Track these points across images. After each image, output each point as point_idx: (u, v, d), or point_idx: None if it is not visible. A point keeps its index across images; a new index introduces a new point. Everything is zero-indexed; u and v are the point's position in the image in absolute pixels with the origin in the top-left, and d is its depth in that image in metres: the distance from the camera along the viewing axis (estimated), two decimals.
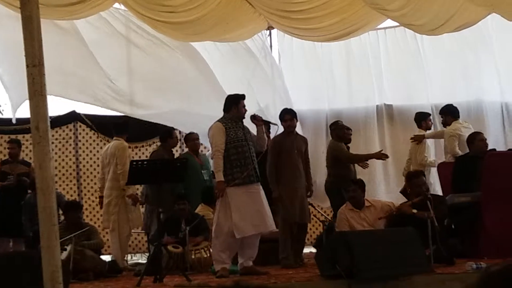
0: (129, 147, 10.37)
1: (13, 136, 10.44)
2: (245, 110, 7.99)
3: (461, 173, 8.95)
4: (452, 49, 11.42)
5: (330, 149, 9.66)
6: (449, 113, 10.10)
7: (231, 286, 1.54)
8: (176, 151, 10.96)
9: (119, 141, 9.46)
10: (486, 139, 9.32)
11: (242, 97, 8.03)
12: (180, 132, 11.04)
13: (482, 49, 11.43)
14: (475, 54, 11.52)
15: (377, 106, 11.67)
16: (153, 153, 9.95)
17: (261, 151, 8.37)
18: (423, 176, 8.77)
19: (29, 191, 9.52)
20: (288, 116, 8.84)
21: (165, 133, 9.92)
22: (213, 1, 8.89)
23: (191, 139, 10.14)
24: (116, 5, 9.33)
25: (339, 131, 9.71)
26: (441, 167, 9.89)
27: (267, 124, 8.63)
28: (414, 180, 8.58)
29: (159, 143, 10.12)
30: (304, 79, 11.84)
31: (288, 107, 9.56)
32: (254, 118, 8.12)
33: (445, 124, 10.17)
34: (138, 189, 9.96)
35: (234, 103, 7.94)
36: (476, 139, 9.21)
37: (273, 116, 10.88)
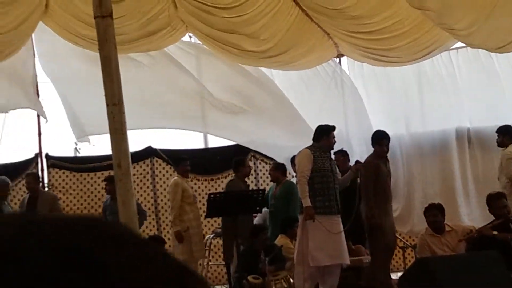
0: (205, 180, 10.49)
1: (92, 174, 10.73)
2: (335, 141, 8.16)
3: None
4: None
5: None
6: (508, 133, 9.74)
7: None
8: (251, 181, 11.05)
9: (174, 179, 9.70)
10: None
11: (333, 128, 8.18)
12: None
13: None
14: None
15: (456, 129, 11.45)
16: (229, 183, 10.03)
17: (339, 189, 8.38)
18: (504, 198, 8.55)
19: None
20: (386, 141, 8.76)
21: (237, 162, 9.97)
22: (284, 26, 8.94)
23: (272, 169, 10.22)
24: (187, 37, 9.54)
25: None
26: None
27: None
28: (494, 202, 8.39)
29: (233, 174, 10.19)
30: (378, 104, 11.77)
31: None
32: (355, 166, 8.31)
33: (501, 144, 9.77)
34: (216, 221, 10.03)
35: (325, 133, 8.09)
36: None
37: (345, 141, 10.90)
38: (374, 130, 11.02)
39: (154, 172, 11.41)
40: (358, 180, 8.65)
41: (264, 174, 11.71)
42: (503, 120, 11.23)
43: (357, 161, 8.50)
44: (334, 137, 8.11)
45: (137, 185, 11.14)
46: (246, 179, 10.17)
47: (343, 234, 7.83)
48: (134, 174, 10.91)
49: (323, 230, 7.66)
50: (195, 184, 11.32)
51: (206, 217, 9.08)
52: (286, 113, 10.97)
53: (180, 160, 9.83)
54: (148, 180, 11.25)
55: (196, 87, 10.42)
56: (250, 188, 10.44)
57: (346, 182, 8.23)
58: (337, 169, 8.36)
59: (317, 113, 10.97)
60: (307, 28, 9.29)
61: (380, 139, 8.67)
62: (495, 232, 7.89)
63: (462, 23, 8.55)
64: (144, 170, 11.37)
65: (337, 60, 11.56)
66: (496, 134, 9.86)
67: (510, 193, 9.19)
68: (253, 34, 8.81)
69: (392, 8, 8.68)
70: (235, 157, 10.13)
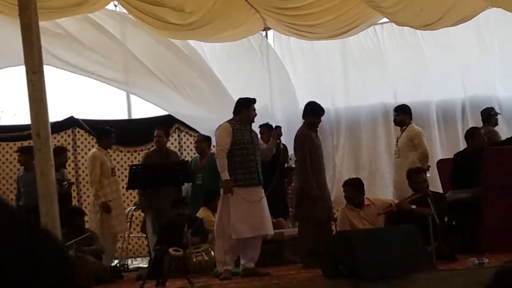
0: (129, 152, 10.40)
1: (11, 144, 10.49)
2: (255, 114, 8.11)
3: (461, 169, 8.95)
4: (452, 42, 11.40)
5: None
6: (408, 112, 9.84)
7: None
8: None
9: (92, 151, 9.57)
10: (484, 134, 9.31)
11: (253, 101, 8.12)
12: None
13: (480, 43, 11.45)
14: (473, 48, 11.55)
15: (381, 104, 11.63)
16: (145, 157, 9.96)
17: (264, 160, 8.35)
18: (424, 173, 8.75)
19: None
20: (321, 113, 8.80)
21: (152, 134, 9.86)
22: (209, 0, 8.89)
23: (197, 141, 10.16)
24: (112, 6, 9.37)
25: None
26: (440, 163, 9.88)
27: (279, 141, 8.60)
28: (414, 177, 8.57)
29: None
30: (305, 78, 11.84)
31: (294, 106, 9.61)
32: (276, 132, 8.22)
33: (401, 123, 9.84)
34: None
35: (245, 106, 8.06)
36: (475, 134, 9.21)
37: (270, 115, 10.96)
38: (300, 104, 11.19)
39: (75, 143, 11.22)
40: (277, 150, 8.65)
41: (188, 146, 11.65)
42: (427, 96, 11.51)
43: (277, 127, 8.47)
44: (254, 109, 8.06)
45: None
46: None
47: (265, 205, 7.85)
48: (55, 145, 10.77)
49: (245, 202, 7.69)
50: (118, 155, 11.18)
51: (127, 189, 9.00)
52: (211, 86, 10.94)
53: (106, 132, 9.69)
54: (69, 151, 11.03)
55: (120, 50, 10.27)
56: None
57: (272, 150, 8.23)
58: (260, 142, 8.34)
59: (242, 86, 10.99)
60: (234, 2, 9.23)
61: (316, 111, 8.71)
62: (413, 206, 8.06)
63: (389, 1, 8.63)
64: (66, 140, 11.15)
65: (264, 33, 11.56)
66: (395, 113, 9.96)
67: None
68: (178, 7, 8.70)
69: None
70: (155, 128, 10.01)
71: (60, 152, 9.78)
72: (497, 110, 10.72)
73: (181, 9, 8.72)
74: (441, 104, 11.69)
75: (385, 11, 9.00)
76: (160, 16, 8.88)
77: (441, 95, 11.70)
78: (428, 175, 9.54)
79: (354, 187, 8.71)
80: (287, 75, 11.52)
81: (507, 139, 9.45)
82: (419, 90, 11.70)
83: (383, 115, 11.57)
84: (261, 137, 9.11)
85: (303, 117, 8.73)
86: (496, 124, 10.02)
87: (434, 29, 9.90)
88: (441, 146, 11.48)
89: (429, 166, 9.69)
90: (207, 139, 10.05)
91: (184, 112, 11.09)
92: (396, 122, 9.94)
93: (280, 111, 11.45)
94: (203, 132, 10.64)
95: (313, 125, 8.72)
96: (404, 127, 9.74)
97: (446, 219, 8.57)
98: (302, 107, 11.10)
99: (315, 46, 11.48)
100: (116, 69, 10.36)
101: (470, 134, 9.29)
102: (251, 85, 11.14)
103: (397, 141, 9.84)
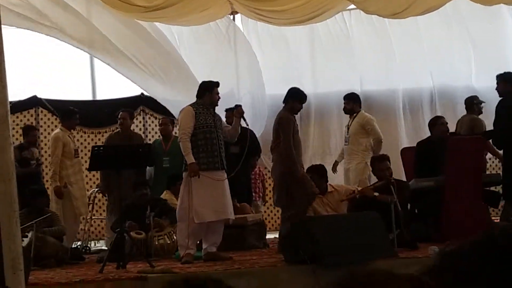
0: (92, 133, 10.28)
1: None
2: (218, 98, 8.09)
3: (424, 158, 9.00)
4: (419, 31, 11.43)
5: None
6: (357, 100, 9.90)
7: (181, 282, 1.51)
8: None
9: (55, 132, 9.49)
10: (447, 123, 9.36)
11: (216, 84, 8.11)
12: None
13: (448, 32, 11.51)
14: (440, 37, 11.60)
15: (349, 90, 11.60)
16: (108, 139, 9.88)
17: (230, 142, 8.42)
18: (387, 160, 8.78)
19: None
20: (304, 99, 8.79)
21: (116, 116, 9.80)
22: None
23: (163, 123, 10.07)
24: None
25: None
26: (404, 152, 9.93)
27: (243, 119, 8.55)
28: (377, 164, 8.61)
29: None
30: (272, 62, 11.78)
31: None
32: (237, 110, 8.15)
33: (351, 111, 9.88)
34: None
35: (208, 90, 8.03)
36: (437, 123, 9.27)
37: (236, 99, 10.92)
38: (267, 88, 11.18)
39: (38, 123, 11.04)
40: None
41: (153, 129, 11.56)
42: (393, 84, 11.54)
43: (236, 105, 8.41)
44: (217, 93, 8.05)
45: (20, 135, 10.78)
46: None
47: (227, 189, 7.85)
48: (17, 124, 10.64)
49: (207, 186, 7.68)
50: (81, 136, 11.04)
51: (88, 170, 8.91)
52: (177, 69, 10.85)
53: (69, 112, 9.56)
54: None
55: (86, 27, 10.11)
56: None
57: (237, 130, 8.17)
58: (225, 125, 8.29)
59: (209, 70, 10.93)
60: None
61: (299, 96, 8.67)
62: (376, 194, 8.09)
63: None
64: (28, 120, 10.98)
65: (231, 17, 11.48)
66: (344, 101, 9.98)
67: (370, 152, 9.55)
68: None
69: None
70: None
71: (29, 130, 9.79)
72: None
73: None
74: (407, 92, 11.74)
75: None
76: None
77: (408, 84, 11.74)
78: None
79: (317, 174, 8.71)
80: (254, 58, 11.46)
81: (485, 132, 9.47)
82: (386, 78, 11.75)
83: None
84: (227, 121, 9.07)
85: (285, 101, 8.65)
86: (480, 112, 10.04)
87: (402, 18, 9.92)
88: (407, 135, 11.54)
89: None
90: (172, 122, 9.99)
91: (152, 90, 10.98)
92: (346, 110, 10.00)
93: (247, 96, 11.40)
94: (169, 113, 10.59)
95: (295, 111, 8.71)
96: (355, 114, 9.81)
97: (408, 207, 8.62)
98: (268, 91, 11.24)
99: (282, 31, 11.45)
100: (80, 38, 10.12)
101: (433, 122, 9.34)
102: (218, 69, 11.09)
103: (347, 129, 9.87)
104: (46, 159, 10.76)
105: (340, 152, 10.24)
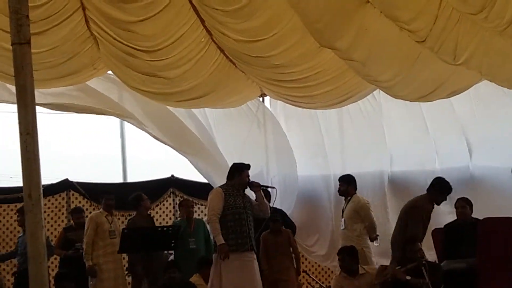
0: (123, 215, 10.36)
1: (4, 206, 10.51)
2: (249, 180, 8.20)
3: (452, 239, 8.96)
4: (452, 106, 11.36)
5: None
6: (352, 182, 9.86)
7: None
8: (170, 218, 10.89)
9: (95, 212, 9.63)
10: (465, 206, 9.18)
11: (247, 167, 8.24)
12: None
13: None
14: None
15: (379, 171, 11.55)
16: (129, 222, 9.93)
17: (265, 217, 8.51)
18: (419, 242, 8.70)
19: None
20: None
21: (135, 199, 9.87)
22: (207, 71, 8.96)
23: (186, 205, 10.11)
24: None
25: None
26: (436, 233, 9.82)
27: (265, 188, 8.69)
28: (409, 246, 8.52)
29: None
30: (299, 141, 11.80)
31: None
32: (251, 185, 8.24)
33: (345, 193, 9.86)
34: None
35: (238, 171, 8.17)
36: (456, 206, 9.23)
37: (266, 181, 10.94)
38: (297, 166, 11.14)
39: (69, 205, 11.16)
40: None
41: None
42: (423, 165, 11.39)
43: (250, 182, 8.30)
44: (248, 175, 8.17)
45: (52, 218, 10.89)
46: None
47: (257, 270, 7.87)
48: (49, 208, 10.76)
49: (237, 268, 7.69)
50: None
51: (118, 252, 8.97)
52: (212, 151, 10.93)
53: (104, 194, 9.73)
54: (63, 213, 11.01)
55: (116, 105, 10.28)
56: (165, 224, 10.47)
57: (262, 203, 8.19)
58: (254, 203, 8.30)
59: (239, 151, 10.99)
60: (231, 73, 9.32)
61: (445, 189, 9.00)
62: (408, 277, 7.99)
63: (385, 75, 8.73)
64: (60, 203, 11.11)
65: (261, 98, 11.59)
66: (339, 183, 9.96)
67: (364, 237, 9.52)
68: (176, 79, 8.78)
69: (315, 59, 8.79)
70: (133, 194, 10.00)
71: (77, 212, 10.05)
72: None
73: (178, 80, 8.81)
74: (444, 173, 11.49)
75: (382, 84, 9.09)
76: (156, 86, 8.93)
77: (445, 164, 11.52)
78: (376, 244, 9.58)
79: (348, 255, 8.65)
80: (285, 139, 11.50)
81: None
82: (417, 159, 11.60)
83: (380, 183, 11.47)
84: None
85: (429, 190, 9.01)
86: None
87: (429, 101, 9.97)
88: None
89: (377, 235, 9.70)
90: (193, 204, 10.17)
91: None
92: (341, 192, 9.97)
93: (276, 177, 11.42)
94: (198, 195, 10.67)
95: (437, 202, 9.03)
96: (349, 198, 9.76)
97: None
98: (299, 172, 11.22)
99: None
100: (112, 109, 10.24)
101: (456, 205, 9.29)
102: (249, 150, 11.16)
103: (342, 212, 9.79)
104: None
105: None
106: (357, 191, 10.00)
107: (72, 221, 10.18)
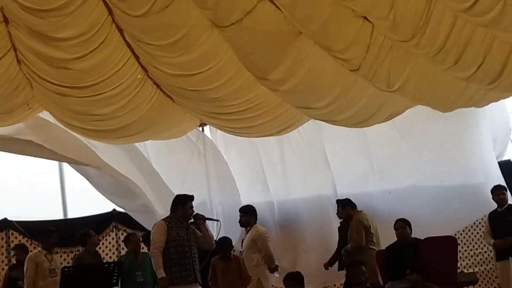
0: (65, 252, 10.18)
1: None
2: (192, 212, 8.21)
3: (395, 261, 9.06)
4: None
5: None
6: (253, 213, 9.94)
7: None
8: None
9: (31, 252, 9.46)
10: (403, 227, 9.31)
11: (191, 198, 8.26)
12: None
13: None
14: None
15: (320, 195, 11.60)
16: (76, 258, 9.80)
17: (210, 249, 8.57)
18: (362, 265, 8.76)
19: None
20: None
21: (83, 235, 9.72)
22: (143, 107, 8.94)
23: (134, 239, 9.96)
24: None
25: None
26: (379, 255, 9.92)
27: (209, 220, 8.71)
28: (352, 269, 8.59)
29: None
30: (241, 169, 11.81)
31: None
32: (196, 217, 8.27)
33: (246, 223, 9.90)
34: None
35: (181, 203, 8.20)
36: (396, 227, 9.36)
37: (209, 211, 10.91)
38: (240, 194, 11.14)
39: (9, 245, 10.91)
40: None
41: None
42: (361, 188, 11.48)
43: (194, 215, 8.34)
44: (191, 207, 8.17)
45: None
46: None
47: None
48: None
49: None
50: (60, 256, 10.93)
51: None
52: (154, 182, 10.85)
53: (47, 232, 9.56)
54: (3, 254, 10.76)
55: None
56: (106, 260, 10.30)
57: (208, 236, 8.26)
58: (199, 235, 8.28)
59: (181, 182, 10.94)
60: (169, 108, 9.31)
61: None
62: None
63: (321, 103, 8.82)
64: None
65: (200, 128, 11.56)
66: (240, 214, 10.01)
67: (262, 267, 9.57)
68: (110, 115, 8.74)
69: (253, 91, 8.86)
70: (81, 231, 9.86)
71: (20, 250, 9.90)
72: None
73: (112, 117, 8.75)
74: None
75: (317, 112, 9.16)
76: (91, 123, 8.86)
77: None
78: (276, 275, 9.66)
79: (296, 281, 8.63)
80: (226, 167, 11.50)
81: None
82: (359, 182, 11.66)
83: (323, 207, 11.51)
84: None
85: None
86: None
87: (367, 126, 10.09)
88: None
89: (277, 266, 9.77)
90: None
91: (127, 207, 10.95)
92: (242, 223, 10.01)
93: (219, 205, 11.39)
94: (142, 228, 10.56)
95: None
96: (249, 228, 9.85)
97: None
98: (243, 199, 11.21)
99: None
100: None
101: (395, 227, 9.42)
102: (190, 180, 11.12)
103: (241, 242, 9.86)
104: None
105: None
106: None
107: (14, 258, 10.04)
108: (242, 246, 9.75)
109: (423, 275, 8.31)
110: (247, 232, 9.79)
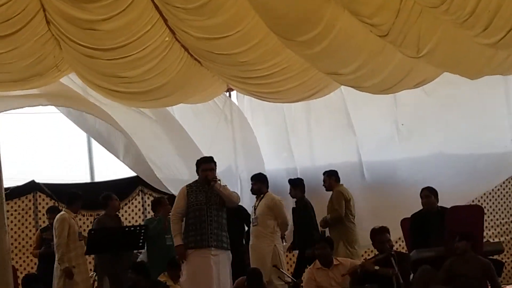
0: (91, 215, 10.27)
1: None
2: (206, 175, 8.08)
3: (419, 229, 9.05)
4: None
5: None
6: (264, 181, 9.95)
7: None
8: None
9: (61, 213, 9.41)
10: (428, 195, 9.27)
11: (202, 160, 8.25)
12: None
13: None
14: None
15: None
16: (96, 221, 9.83)
17: (234, 207, 8.61)
18: (387, 232, 8.74)
19: None
20: None
21: (105, 198, 9.74)
22: (171, 70, 8.93)
23: (164, 203, 10.00)
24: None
25: None
26: (403, 223, 9.90)
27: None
28: (377, 237, 8.56)
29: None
30: (267, 135, 11.82)
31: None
32: (208, 181, 8.12)
33: (258, 191, 9.89)
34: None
35: (197, 166, 8.22)
36: (422, 196, 9.31)
37: (235, 176, 10.95)
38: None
39: (36, 207, 11.03)
40: None
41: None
42: (396, 154, 11.44)
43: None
44: (206, 169, 8.06)
45: (19, 221, 10.78)
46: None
47: (220, 266, 7.89)
48: (15, 210, 10.64)
49: (196, 265, 7.79)
50: (80, 219, 10.99)
51: (86, 253, 8.93)
52: (185, 145, 10.92)
53: (74, 196, 9.62)
54: (30, 216, 10.88)
55: None
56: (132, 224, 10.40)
57: (225, 195, 8.13)
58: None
59: (208, 147, 10.97)
60: (196, 71, 9.30)
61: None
62: (377, 267, 8.04)
63: (349, 68, 8.77)
64: (26, 205, 10.97)
65: (227, 93, 11.57)
66: (252, 182, 10.04)
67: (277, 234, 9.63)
68: (138, 77, 8.75)
69: (280, 55, 8.81)
70: (103, 194, 9.89)
71: (51, 212, 9.93)
72: None
73: (141, 79, 8.78)
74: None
75: (345, 78, 9.10)
76: (120, 85, 8.91)
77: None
78: (284, 243, 9.70)
79: (328, 244, 8.64)
80: (251, 134, 11.54)
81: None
82: (387, 149, 11.63)
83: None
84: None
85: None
86: None
87: (395, 92, 10.04)
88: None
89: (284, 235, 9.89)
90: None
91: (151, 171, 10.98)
92: (253, 191, 10.03)
93: (244, 172, 11.43)
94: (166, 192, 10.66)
95: None
96: (262, 196, 9.84)
97: (410, 279, 8.56)
98: (267, 167, 11.24)
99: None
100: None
101: (424, 193, 9.36)
102: (217, 145, 11.16)
103: (254, 209, 9.84)
104: None
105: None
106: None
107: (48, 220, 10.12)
108: (254, 213, 9.75)
109: (471, 243, 8.30)
110: (259, 200, 9.78)
